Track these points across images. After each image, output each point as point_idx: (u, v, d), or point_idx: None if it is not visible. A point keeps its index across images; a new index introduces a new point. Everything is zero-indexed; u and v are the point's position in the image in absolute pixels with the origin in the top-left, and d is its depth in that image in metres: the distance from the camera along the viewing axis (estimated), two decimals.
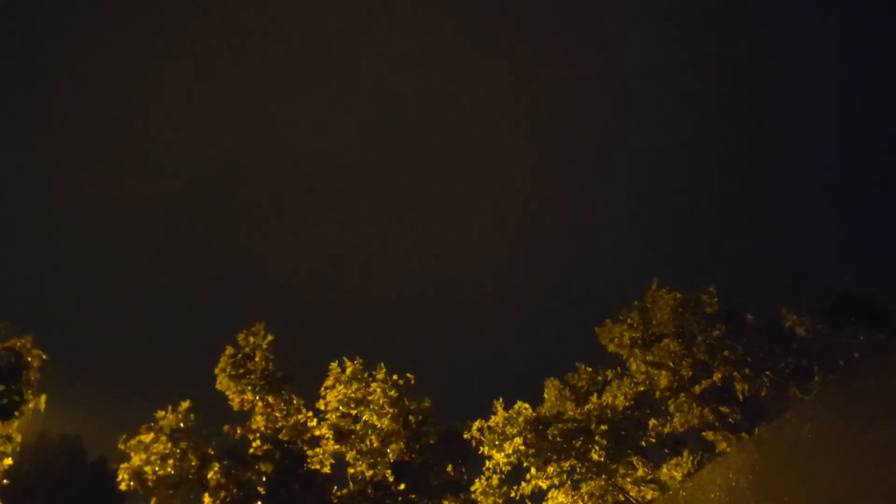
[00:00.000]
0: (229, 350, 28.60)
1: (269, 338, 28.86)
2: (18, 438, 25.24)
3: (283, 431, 27.80)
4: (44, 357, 26.11)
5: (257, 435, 27.56)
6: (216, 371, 28.33)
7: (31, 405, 25.58)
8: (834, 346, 28.42)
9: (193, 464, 26.20)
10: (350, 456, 28.40)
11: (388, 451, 28.42)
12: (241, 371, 28.21)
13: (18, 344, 25.86)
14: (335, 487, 27.75)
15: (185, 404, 27.06)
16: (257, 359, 28.48)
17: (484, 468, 29.87)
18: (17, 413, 25.31)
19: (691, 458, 28.06)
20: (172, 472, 25.95)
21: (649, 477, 28.47)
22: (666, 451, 29.32)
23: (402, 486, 27.49)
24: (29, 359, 25.64)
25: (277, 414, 28.09)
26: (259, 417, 27.86)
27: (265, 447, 27.26)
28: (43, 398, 25.86)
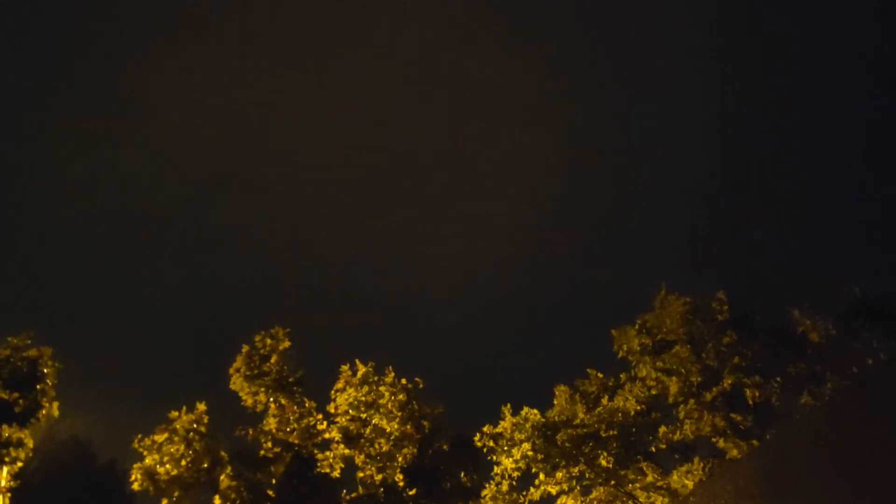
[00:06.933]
0: (246, 349, 28.68)
1: (287, 343, 28.90)
2: (31, 444, 25.47)
3: (294, 434, 27.83)
4: (57, 366, 26.39)
5: (269, 437, 27.60)
6: (231, 370, 28.37)
7: (44, 411, 25.83)
8: (847, 351, 28.13)
9: (205, 465, 26.30)
10: (359, 460, 28.38)
11: (400, 455, 28.38)
12: (256, 372, 28.26)
13: (36, 354, 26.14)
14: (344, 491, 27.76)
15: (201, 406, 27.19)
16: (273, 361, 28.52)
17: (493, 473, 29.76)
18: (32, 420, 25.60)
19: (702, 464, 27.81)
20: (185, 473, 26.06)
21: (659, 483, 28.25)
22: (676, 457, 29.11)
23: (414, 492, 27.46)
24: (45, 370, 25.93)
25: (290, 416, 28.11)
26: (272, 419, 27.89)
27: (276, 450, 27.31)
28: (56, 405, 26.15)
